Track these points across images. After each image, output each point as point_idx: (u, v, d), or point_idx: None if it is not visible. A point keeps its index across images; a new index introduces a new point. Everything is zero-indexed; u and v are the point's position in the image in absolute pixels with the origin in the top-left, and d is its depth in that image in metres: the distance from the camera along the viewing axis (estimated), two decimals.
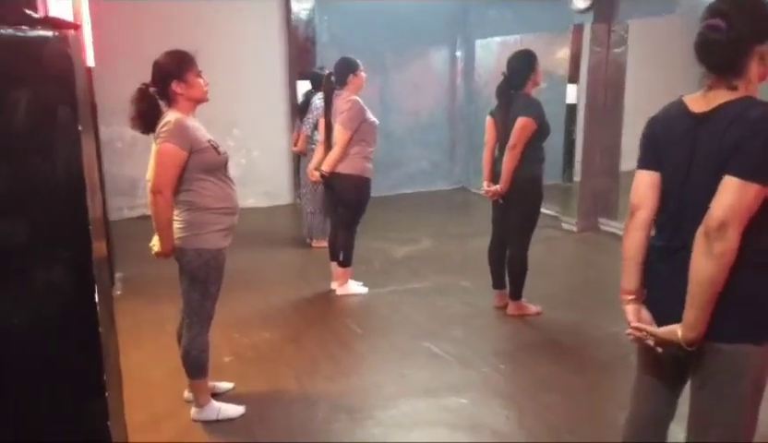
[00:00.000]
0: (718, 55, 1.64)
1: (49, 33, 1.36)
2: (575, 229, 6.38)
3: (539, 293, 4.39)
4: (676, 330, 1.68)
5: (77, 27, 1.58)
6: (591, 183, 6.36)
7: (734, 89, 1.64)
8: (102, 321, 1.53)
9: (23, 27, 1.35)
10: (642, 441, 1.98)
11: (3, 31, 1.33)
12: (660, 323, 1.79)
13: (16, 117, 1.35)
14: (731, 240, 1.55)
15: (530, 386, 3.27)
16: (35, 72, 1.36)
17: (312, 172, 4.58)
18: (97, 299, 1.47)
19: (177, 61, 2.71)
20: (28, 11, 1.36)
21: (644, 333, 1.78)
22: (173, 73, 2.69)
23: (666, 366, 1.89)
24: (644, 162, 1.84)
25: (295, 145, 5.80)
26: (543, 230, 6.18)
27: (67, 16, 2.17)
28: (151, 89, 2.71)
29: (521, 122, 3.77)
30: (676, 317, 1.70)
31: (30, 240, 1.39)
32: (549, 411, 3.02)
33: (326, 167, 4.30)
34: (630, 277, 1.86)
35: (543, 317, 4.13)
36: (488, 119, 4.06)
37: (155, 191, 2.62)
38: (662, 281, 1.81)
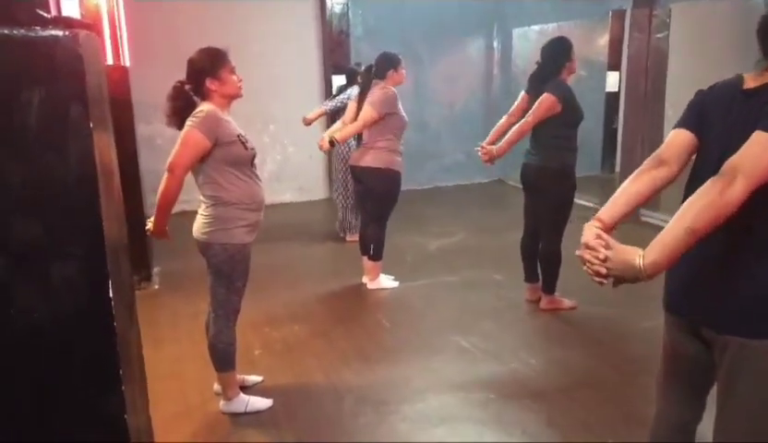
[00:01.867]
0: None
1: (59, 33, 1.38)
2: None
3: (575, 287, 4.28)
4: (636, 253, 1.51)
5: (89, 26, 1.61)
6: (631, 173, 6.17)
7: None
8: (118, 315, 1.56)
9: (35, 27, 1.37)
10: (670, 440, 1.91)
11: (15, 32, 1.36)
12: (676, 314, 1.71)
13: (28, 116, 1.37)
14: (737, 189, 1.42)
15: (561, 382, 3.20)
16: (46, 71, 1.38)
17: (323, 138, 4.53)
18: (112, 294, 1.49)
19: (211, 58, 2.74)
20: (39, 11, 1.38)
21: (598, 252, 1.57)
22: (206, 70, 2.72)
23: (692, 365, 1.81)
24: (684, 122, 1.73)
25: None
26: (581, 222, 6.06)
27: (78, 15, 2.22)
28: (186, 87, 2.76)
29: (542, 97, 3.71)
30: (697, 306, 1.62)
31: (45, 236, 1.42)
32: (581, 407, 2.95)
33: (339, 136, 4.32)
34: (614, 211, 1.68)
35: (576, 312, 4.04)
36: (522, 93, 4.00)
37: (168, 169, 2.67)
38: (683, 268, 1.69)
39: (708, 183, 1.48)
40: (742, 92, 1.62)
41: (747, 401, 1.64)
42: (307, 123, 5.63)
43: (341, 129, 4.48)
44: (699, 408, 1.88)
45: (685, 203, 1.51)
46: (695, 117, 1.72)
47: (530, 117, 3.73)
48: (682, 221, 1.47)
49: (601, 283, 1.59)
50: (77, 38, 1.39)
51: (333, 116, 5.61)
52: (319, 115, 5.60)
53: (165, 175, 2.69)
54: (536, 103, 3.72)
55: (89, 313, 1.47)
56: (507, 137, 3.81)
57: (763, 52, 1.59)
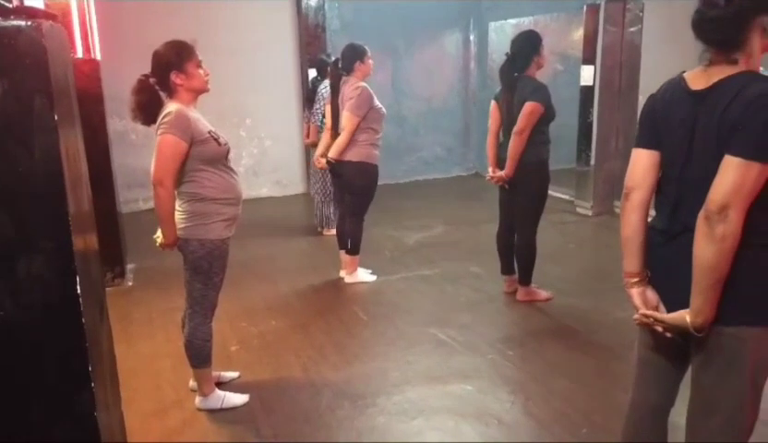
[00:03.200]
0: (718, 31, 1.58)
1: (22, 23, 1.35)
2: (590, 213, 6.29)
3: (551, 279, 4.35)
4: (684, 316, 1.64)
5: (54, 17, 1.57)
6: (606, 166, 6.25)
7: (734, 62, 1.58)
8: (87, 312, 1.53)
9: None
10: (644, 427, 1.95)
11: None
12: (663, 307, 1.75)
13: None
14: (733, 222, 1.50)
15: (538, 372, 3.23)
16: (9, 63, 1.35)
17: (318, 159, 4.56)
18: (80, 290, 1.46)
19: (176, 51, 2.69)
20: (0, 1, 1.34)
21: (652, 319, 1.74)
22: (172, 63, 2.67)
23: (668, 351, 1.84)
24: (643, 141, 1.79)
25: (308, 137, 5.75)
26: (557, 214, 6.14)
27: (42, 5, 2.16)
28: (151, 80, 2.71)
29: (528, 107, 3.69)
30: (678, 301, 1.66)
31: (10, 231, 1.39)
32: (557, 397, 2.98)
33: (333, 154, 4.27)
34: (631, 258, 1.82)
35: (553, 303, 4.08)
36: (492, 104, 4.00)
37: (156, 182, 2.62)
38: (663, 265, 1.77)
39: (703, 226, 1.54)
40: (691, 95, 1.65)
41: (722, 384, 1.67)
42: (311, 145, 5.61)
43: (326, 142, 4.42)
44: (673, 394, 1.92)
45: (695, 256, 1.57)
46: (650, 132, 1.77)
47: (523, 131, 3.71)
48: (706, 280, 1.57)
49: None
50: (40, 28, 1.36)
51: (311, 104, 5.56)
52: (316, 133, 5.48)
53: (155, 190, 2.63)
54: (523, 113, 3.69)
55: (56, 309, 1.45)
56: (509, 156, 3.80)
57: (705, 43, 1.61)
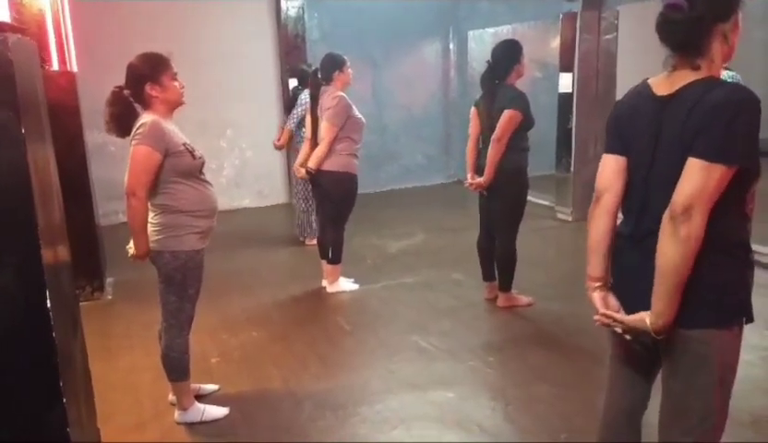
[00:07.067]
0: (680, 35, 1.61)
1: None
2: (570, 218, 6.35)
3: (532, 284, 4.37)
4: (644, 318, 1.65)
5: (22, 30, 1.56)
6: (585, 172, 6.31)
7: (697, 68, 1.61)
8: (59, 327, 1.52)
9: None
10: (619, 429, 1.96)
11: None
12: (628, 310, 1.76)
13: None
14: (697, 223, 1.52)
15: (518, 378, 3.25)
16: None
17: (298, 168, 4.56)
18: (50, 305, 1.45)
19: (151, 64, 2.68)
20: None
21: (612, 320, 1.75)
22: (146, 76, 2.66)
23: (639, 356, 1.86)
24: (610, 147, 1.82)
25: (278, 140, 5.77)
26: (537, 220, 6.18)
27: (8, 19, 2.13)
28: (126, 92, 2.69)
29: (507, 114, 3.73)
30: (643, 304, 1.67)
31: None
32: (538, 402, 2.99)
33: (312, 164, 4.27)
34: (596, 264, 1.84)
35: (533, 308, 4.10)
36: (473, 110, 4.03)
37: (129, 193, 2.60)
38: (629, 268, 1.78)
39: (668, 227, 1.55)
40: (656, 101, 1.67)
41: (691, 387, 1.69)
42: (279, 148, 5.83)
43: (306, 151, 4.43)
44: (645, 397, 1.93)
45: (658, 257, 1.59)
46: (617, 138, 1.79)
47: (502, 139, 3.74)
48: (668, 281, 1.58)
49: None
50: (6, 42, 1.36)
51: (290, 111, 5.58)
52: (288, 137, 5.56)
53: (127, 200, 2.61)
54: (502, 121, 3.72)
55: (26, 324, 1.43)
56: (487, 163, 3.82)
57: (668, 47, 1.64)
